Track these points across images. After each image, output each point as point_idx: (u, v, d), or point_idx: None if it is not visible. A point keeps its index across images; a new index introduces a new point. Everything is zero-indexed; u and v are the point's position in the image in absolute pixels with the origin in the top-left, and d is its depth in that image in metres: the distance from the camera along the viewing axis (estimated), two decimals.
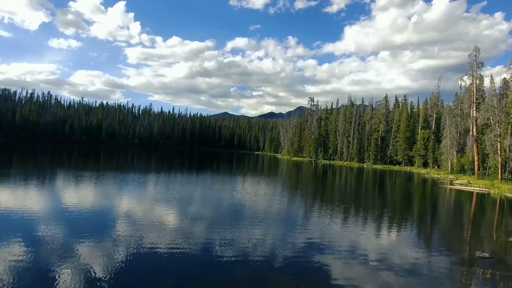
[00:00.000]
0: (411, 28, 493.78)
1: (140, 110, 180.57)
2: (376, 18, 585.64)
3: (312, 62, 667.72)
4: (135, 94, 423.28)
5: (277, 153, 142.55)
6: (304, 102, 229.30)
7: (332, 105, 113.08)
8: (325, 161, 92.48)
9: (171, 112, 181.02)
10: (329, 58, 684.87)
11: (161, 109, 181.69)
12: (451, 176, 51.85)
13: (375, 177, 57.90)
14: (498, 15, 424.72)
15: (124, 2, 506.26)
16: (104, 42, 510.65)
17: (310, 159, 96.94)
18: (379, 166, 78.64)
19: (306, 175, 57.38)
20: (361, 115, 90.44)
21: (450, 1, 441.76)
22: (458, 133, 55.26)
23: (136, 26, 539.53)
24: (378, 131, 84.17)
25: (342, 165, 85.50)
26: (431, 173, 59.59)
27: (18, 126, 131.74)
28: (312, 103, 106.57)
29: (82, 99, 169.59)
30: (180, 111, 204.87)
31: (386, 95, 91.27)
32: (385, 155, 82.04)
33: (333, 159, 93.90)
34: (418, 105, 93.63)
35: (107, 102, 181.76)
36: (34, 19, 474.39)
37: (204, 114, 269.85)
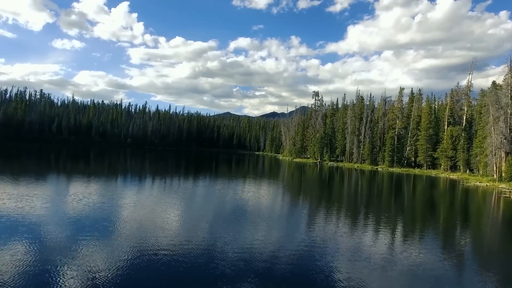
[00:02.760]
0: (415, 27, 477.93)
1: (137, 109, 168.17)
2: (379, 18, 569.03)
3: (315, 62, 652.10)
4: (138, 94, 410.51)
5: (278, 153, 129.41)
6: (306, 102, 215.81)
7: (337, 101, 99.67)
8: (331, 162, 79.11)
9: (167, 110, 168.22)
10: (332, 57, 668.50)
11: (157, 107, 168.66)
12: (503, 185, 38.47)
13: (396, 184, 45.35)
14: (503, 14, 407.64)
15: (128, 3, 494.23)
16: (107, 43, 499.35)
17: (315, 161, 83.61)
18: (396, 169, 65.17)
19: (311, 180, 46.64)
20: (373, 110, 77.01)
21: (455, 0, 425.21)
22: (508, 128, 41.80)
23: (139, 27, 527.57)
24: (394, 128, 70.70)
25: (352, 168, 72.24)
26: (470, 180, 45.98)
27: (1, 125, 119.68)
28: (316, 98, 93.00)
29: (73, 97, 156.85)
30: (178, 110, 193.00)
31: (400, 87, 77.86)
32: (402, 156, 68.56)
33: (341, 161, 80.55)
34: (434, 99, 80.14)
35: (102, 101, 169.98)
36: (38, 19, 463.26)
37: (207, 114, 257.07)
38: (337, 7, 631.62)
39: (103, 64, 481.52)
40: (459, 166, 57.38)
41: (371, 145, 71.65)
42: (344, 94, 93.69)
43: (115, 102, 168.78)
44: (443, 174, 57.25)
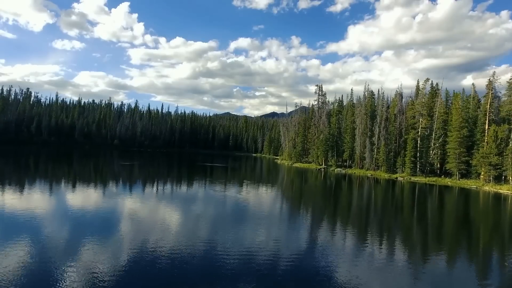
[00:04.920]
0: (416, 27, 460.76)
1: (130, 108, 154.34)
2: (380, 18, 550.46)
3: (315, 62, 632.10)
4: (139, 95, 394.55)
5: (277, 155, 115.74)
6: (306, 102, 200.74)
7: (342, 98, 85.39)
8: (339, 169, 65.15)
9: (159, 110, 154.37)
10: (333, 58, 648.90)
11: (149, 106, 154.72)
12: None
13: (426, 200, 33.94)
14: (504, 13, 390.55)
15: (128, 3, 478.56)
16: (107, 43, 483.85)
17: (319, 167, 69.65)
18: (420, 179, 51.23)
19: (315, 192, 36.99)
20: (388, 107, 62.97)
21: (456, 0, 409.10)
22: None
23: (139, 27, 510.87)
24: (415, 128, 56.72)
25: (364, 176, 58.50)
26: None
27: None
28: (320, 93, 78.59)
29: (57, 95, 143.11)
30: (171, 110, 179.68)
31: (417, 80, 64.00)
32: (427, 162, 54.57)
33: (350, 166, 66.59)
34: (454, 94, 66.25)
35: (93, 100, 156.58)
36: (38, 20, 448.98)
37: (203, 114, 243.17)
38: (337, 7, 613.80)
39: (103, 64, 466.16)
40: (507, 177, 43.46)
41: (388, 148, 57.64)
42: (352, 89, 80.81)
43: (106, 102, 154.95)
44: (485, 186, 43.34)
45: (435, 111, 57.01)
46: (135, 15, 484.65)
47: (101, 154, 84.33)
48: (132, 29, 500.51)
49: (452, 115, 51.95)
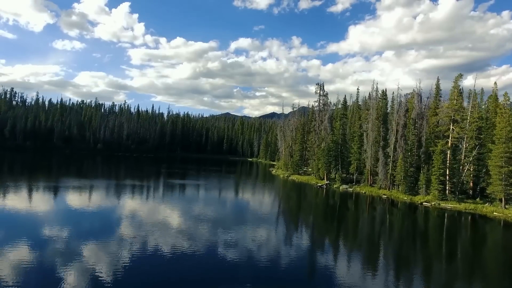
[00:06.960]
0: (417, 27, 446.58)
1: (121, 109, 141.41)
2: (381, 18, 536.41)
3: (316, 62, 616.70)
4: (139, 95, 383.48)
5: (274, 160, 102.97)
6: (306, 102, 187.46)
7: (345, 99, 72.00)
8: (344, 186, 52.11)
9: (148, 111, 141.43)
10: (333, 58, 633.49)
11: (138, 107, 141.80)
12: None
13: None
14: (506, 13, 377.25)
15: (129, 3, 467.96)
16: (108, 44, 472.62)
17: (320, 182, 56.56)
18: (454, 205, 38.15)
19: (314, 225, 29.09)
20: (407, 110, 49.76)
21: (457, 0, 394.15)
22: None
23: (140, 27, 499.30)
24: (442, 138, 43.56)
25: (376, 196, 45.78)
26: None
27: None
28: (321, 92, 65.22)
29: (37, 95, 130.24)
30: (161, 110, 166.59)
31: (423, 80, 50.81)
32: (459, 182, 41.48)
33: (357, 181, 53.50)
34: (475, 95, 53.33)
35: (82, 101, 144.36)
36: (38, 20, 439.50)
37: (199, 114, 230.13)
38: (338, 7, 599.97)
39: (104, 65, 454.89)
40: None
41: (407, 163, 44.45)
42: (358, 89, 69.28)
43: (91, 102, 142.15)
44: None
45: (465, 116, 43.90)
46: (136, 15, 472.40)
47: (63, 163, 71.45)
48: (132, 29, 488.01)
49: (497, 122, 38.82)
